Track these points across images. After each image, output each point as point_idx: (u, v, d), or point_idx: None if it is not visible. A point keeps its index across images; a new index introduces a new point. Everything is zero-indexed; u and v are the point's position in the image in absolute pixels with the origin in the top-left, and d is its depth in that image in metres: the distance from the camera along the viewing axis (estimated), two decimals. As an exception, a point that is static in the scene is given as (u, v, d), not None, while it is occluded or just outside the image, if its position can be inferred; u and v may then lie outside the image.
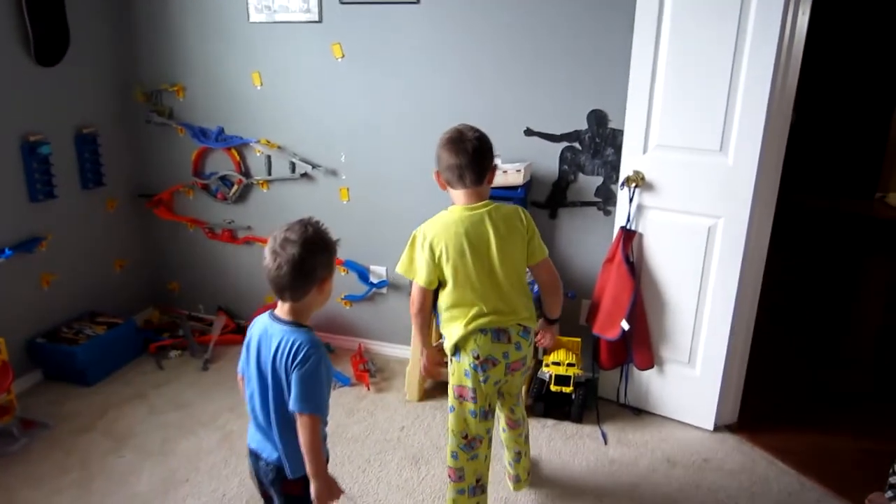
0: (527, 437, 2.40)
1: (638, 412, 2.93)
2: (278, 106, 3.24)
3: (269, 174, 3.35)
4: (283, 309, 1.63)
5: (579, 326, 3.00)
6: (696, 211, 2.59)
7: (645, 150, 2.64)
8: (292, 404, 1.57)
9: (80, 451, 2.64)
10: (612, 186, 2.86)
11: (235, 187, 3.41)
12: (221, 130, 3.36)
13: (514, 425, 2.32)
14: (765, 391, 3.10)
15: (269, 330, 1.62)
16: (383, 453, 2.66)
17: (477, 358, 1.99)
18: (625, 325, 2.68)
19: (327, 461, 1.70)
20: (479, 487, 2.15)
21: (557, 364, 2.83)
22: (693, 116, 2.51)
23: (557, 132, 2.89)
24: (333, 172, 3.25)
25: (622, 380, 2.92)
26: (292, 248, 1.54)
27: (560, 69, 2.80)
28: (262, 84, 3.23)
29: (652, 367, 2.82)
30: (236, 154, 3.37)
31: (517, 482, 2.43)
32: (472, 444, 2.10)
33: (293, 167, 3.28)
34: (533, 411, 2.89)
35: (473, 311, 1.97)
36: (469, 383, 2.03)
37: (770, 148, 2.45)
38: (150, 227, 3.67)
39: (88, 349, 3.08)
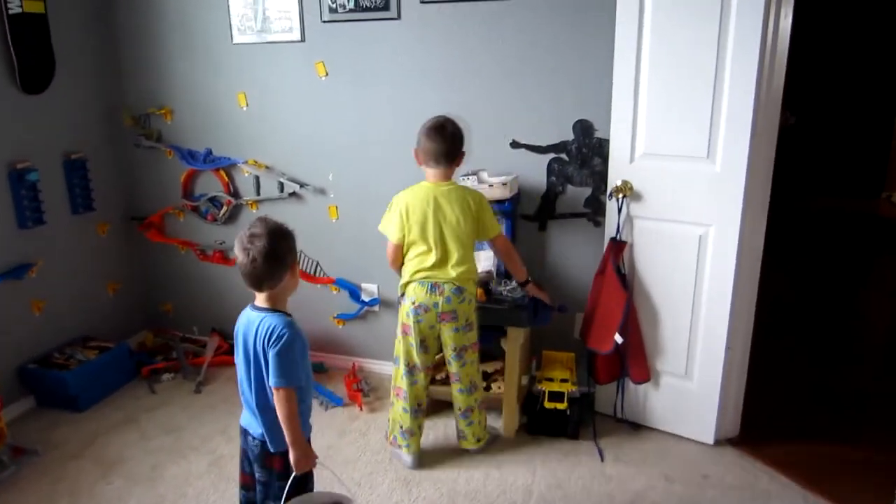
0: (477, 402, 2.68)
1: (636, 427, 2.86)
2: (265, 126, 3.24)
3: (258, 194, 3.34)
4: (260, 299, 1.82)
5: (573, 340, 2.94)
6: (685, 219, 2.54)
7: (632, 160, 2.60)
8: (270, 379, 1.75)
9: (68, 479, 2.61)
10: (601, 197, 2.82)
11: (225, 208, 3.40)
12: (209, 152, 3.35)
13: (455, 379, 2.63)
14: (768, 400, 3.02)
15: (250, 318, 1.81)
16: (374, 475, 2.60)
17: (413, 303, 2.47)
18: (618, 339, 2.62)
19: (309, 435, 1.90)
20: (420, 410, 2.64)
21: (551, 380, 2.77)
22: (678, 123, 2.47)
23: (544, 143, 2.85)
24: (322, 191, 3.23)
25: (618, 394, 2.85)
26: (260, 241, 1.73)
27: (544, 80, 2.77)
28: (247, 105, 3.23)
29: (648, 380, 2.75)
30: (225, 175, 3.36)
31: (462, 438, 2.73)
32: (411, 371, 2.58)
33: (281, 187, 3.27)
34: (527, 428, 2.83)
35: (419, 265, 2.45)
36: (409, 321, 2.49)
37: (758, 152, 2.39)
38: (141, 250, 3.66)
39: (79, 375, 3.06)
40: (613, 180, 2.64)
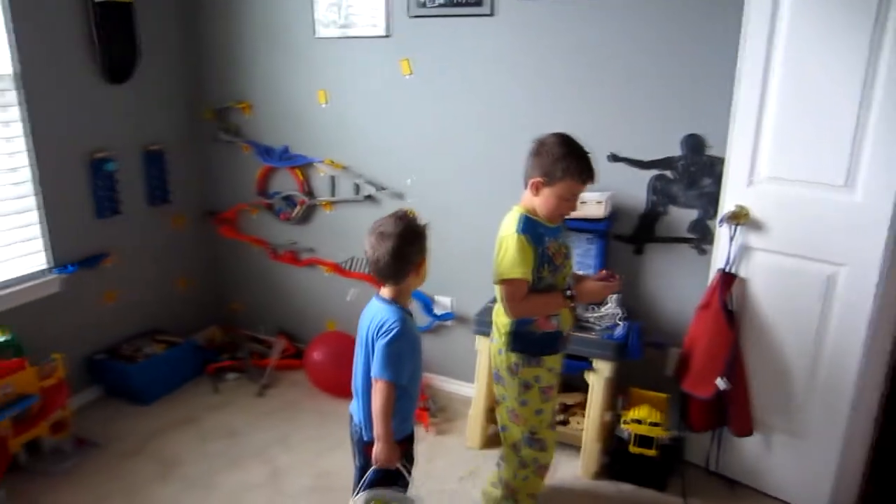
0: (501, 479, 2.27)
1: (732, 484, 2.53)
2: (343, 125, 3.10)
3: (333, 195, 3.21)
4: (384, 291, 1.87)
5: (666, 379, 2.64)
6: (813, 256, 2.19)
7: (751, 182, 2.27)
8: (372, 370, 1.80)
9: (124, 477, 2.57)
10: (710, 222, 2.51)
11: (299, 208, 3.28)
12: (286, 149, 3.25)
13: None
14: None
15: (371, 307, 1.88)
16: (435, 509, 2.41)
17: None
18: (721, 384, 2.30)
19: (412, 435, 1.94)
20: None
21: (639, 422, 2.48)
22: (812, 144, 2.12)
23: (646, 158, 2.57)
24: (399, 195, 3.05)
25: (714, 444, 2.52)
26: (389, 242, 1.76)
27: (651, 87, 2.49)
28: (327, 102, 3.10)
29: (751, 433, 2.41)
30: (300, 174, 3.25)
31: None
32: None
33: (357, 189, 3.12)
34: (608, 471, 2.56)
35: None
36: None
37: (910, 182, 2.02)
38: (214, 246, 3.61)
39: (145, 369, 3.03)
40: (727, 204, 2.32)
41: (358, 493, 1.84)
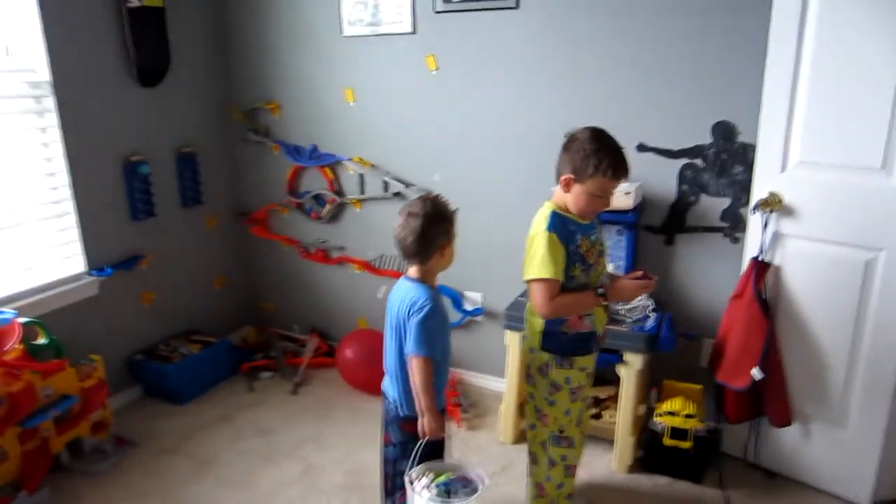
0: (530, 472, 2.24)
1: (771, 475, 2.48)
2: (371, 122, 3.12)
3: (362, 193, 3.23)
4: (412, 271, 1.94)
5: (700, 370, 2.61)
6: (849, 241, 2.15)
7: (783, 168, 2.23)
8: (407, 348, 1.87)
9: (162, 475, 2.60)
10: (742, 210, 2.47)
11: (328, 206, 3.31)
12: (315, 148, 3.28)
13: None
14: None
15: (400, 287, 1.95)
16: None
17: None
18: (756, 374, 2.27)
19: (443, 409, 1.98)
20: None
21: (673, 414, 2.45)
22: (845, 126, 2.08)
23: (676, 147, 2.54)
24: (428, 192, 3.05)
25: (752, 435, 2.49)
26: (415, 221, 1.83)
27: (680, 76, 2.46)
28: (354, 100, 3.12)
29: (790, 423, 2.37)
30: (330, 172, 3.27)
31: None
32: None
33: (386, 186, 3.14)
34: (642, 464, 2.53)
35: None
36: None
37: (950, 164, 1.97)
38: (247, 246, 3.65)
39: (181, 369, 3.07)
40: (759, 192, 2.29)
41: (412, 468, 1.87)
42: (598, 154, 1.82)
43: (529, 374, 2.11)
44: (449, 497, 1.81)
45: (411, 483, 1.84)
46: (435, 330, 1.85)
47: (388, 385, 2.02)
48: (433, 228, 1.84)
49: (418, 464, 1.88)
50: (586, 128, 1.89)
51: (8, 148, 2.58)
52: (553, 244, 1.87)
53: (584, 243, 1.93)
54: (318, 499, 2.44)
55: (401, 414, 1.96)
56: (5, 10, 2.50)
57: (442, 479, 1.84)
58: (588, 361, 2.06)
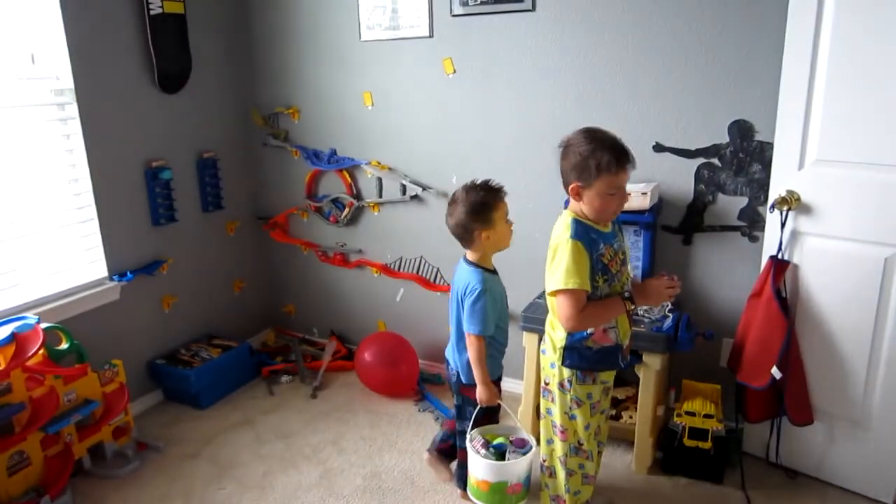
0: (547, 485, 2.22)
1: (792, 475, 2.47)
2: (388, 126, 3.14)
3: (380, 196, 3.25)
4: (468, 253, 2.16)
5: (719, 370, 2.60)
6: (868, 238, 2.14)
7: (801, 166, 2.23)
8: (463, 325, 2.10)
9: (184, 479, 2.61)
10: (760, 209, 2.47)
11: (347, 210, 3.34)
12: (334, 152, 3.31)
13: None
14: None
15: (459, 268, 2.17)
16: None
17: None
18: (776, 373, 2.26)
19: (500, 378, 2.25)
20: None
21: (693, 414, 2.44)
22: (863, 123, 2.08)
23: (693, 147, 2.54)
24: (445, 194, 3.07)
25: (773, 434, 2.47)
26: (456, 209, 2.07)
27: (696, 74, 2.47)
28: (372, 104, 3.15)
29: (811, 422, 2.36)
30: (348, 176, 3.30)
31: None
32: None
33: (404, 189, 3.16)
34: (661, 466, 2.53)
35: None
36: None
37: (972, 160, 1.96)
38: (267, 250, 3.69)
39: (202, 373, 3.09)
40: (777, 190, 2.28)
41: (470, 431, 2.14)
42: (595, 153, 1.78)
43: (548, 389, 2.07)
44: (503, 457, 2.06)
45: (471, 442, 2.10)
46: (486, 309, 2.05)
47: (451, 355, 2.26)
48: (470, 216, 2.04)
49: (475, 427, 2.14)
50: (576, 131, 1.86)
51: (33, 155, 2.62)
52: (578, 252, 1.81)
53: (608, 252, 1.89)
54: (337, 502, 2.44)
55: (463, 381, 2.20)
56: (30, 19, 2.55)
57: (497, 441, 2.13)
58: (610, 376, 2.04)
